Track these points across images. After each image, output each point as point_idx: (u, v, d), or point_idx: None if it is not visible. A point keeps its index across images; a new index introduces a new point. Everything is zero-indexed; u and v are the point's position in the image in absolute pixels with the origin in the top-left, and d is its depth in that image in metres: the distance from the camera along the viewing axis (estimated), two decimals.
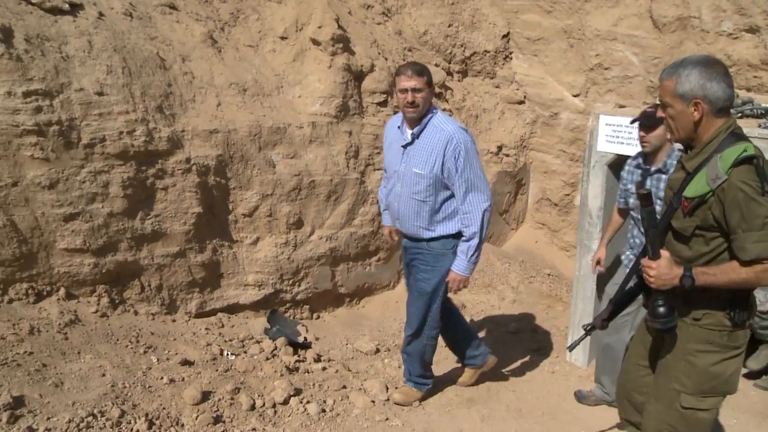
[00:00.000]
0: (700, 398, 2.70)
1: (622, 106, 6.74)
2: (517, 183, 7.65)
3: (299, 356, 5.02)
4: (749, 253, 2.43)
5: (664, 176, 3.94)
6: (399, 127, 4.14)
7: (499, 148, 7.33)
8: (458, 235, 4.12)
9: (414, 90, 3.89)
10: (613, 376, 4.28)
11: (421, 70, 3.95)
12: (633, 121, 4.03)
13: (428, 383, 4.59)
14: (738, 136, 2.57)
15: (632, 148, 4.53)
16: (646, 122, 3.92)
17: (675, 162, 3.87)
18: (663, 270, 2.65)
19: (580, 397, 4.75)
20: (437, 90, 7.09)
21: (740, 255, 2.46)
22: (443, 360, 5.24)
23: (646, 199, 2.67)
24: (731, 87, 2.57)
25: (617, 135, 4.79)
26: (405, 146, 4.08)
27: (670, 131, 2.72)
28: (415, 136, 4.02)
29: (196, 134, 5.20)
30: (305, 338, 5.43)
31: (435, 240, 4.16)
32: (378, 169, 6.24)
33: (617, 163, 4.82)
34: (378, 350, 5.48)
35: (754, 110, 4.91)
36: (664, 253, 2.68)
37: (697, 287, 2.55)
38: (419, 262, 4.24)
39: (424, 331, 4.35)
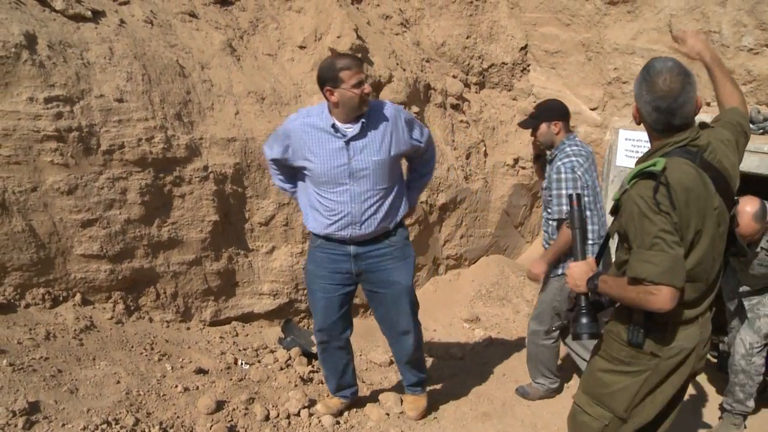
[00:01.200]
0: (589, 400, 2.72)
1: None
2: (533, 196, 7.61)
3: (313, 366, 4.99)
4: (632, 270, 2.35)
5: (548, 166, 4.35)
6: (333, 126, 3.69)
7: (516, 160, 7.31)
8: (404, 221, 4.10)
9: (365, 81, 3.68)
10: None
11: (361, 61, 3.84)
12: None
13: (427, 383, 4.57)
14: (688, 152, 2.42)
15: None
16: (522, 127, 4.49)
17: (560, 153, 4.31)
18: (575, 271, 2.66)
19: (523, 393, 4.86)
20: (455, 102, 7.08)
21: (627, 270, 2.40)
22: (459, 372, 5.21)
23: (574, 200, 2.74)
24: (666, 113, 2.40)
25: (636, 149, 4.77)
26: (348, 141, 3.70)
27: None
28: (365, 126, 3.72)
29: (214, 142, 5.21)
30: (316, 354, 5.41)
31: (395, 231, 3.96)
32: None
33: None
34: (392, 362, 5.45)
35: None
36: (589, 258, 2.70)
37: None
38: (385, 263, 3.97)
39: (417, 328, 4.26)
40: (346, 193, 3.76)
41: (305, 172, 3.81)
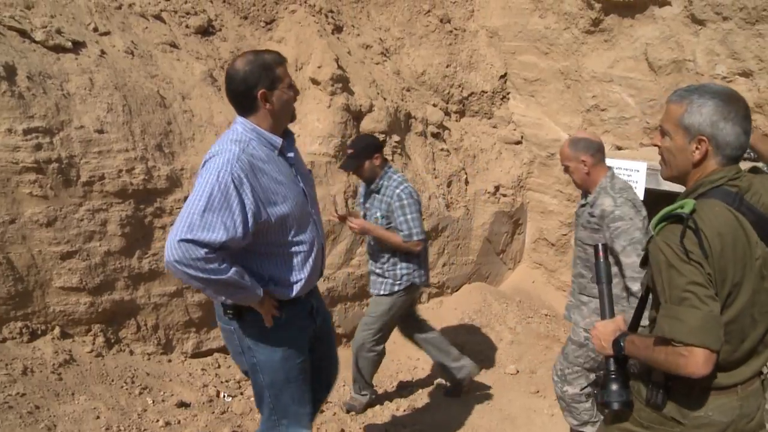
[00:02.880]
0: None
1: (619, 148, 6.79)
2: (514, 223, 7.65)
3: None
4: (659, 329, 2.06)
5: (376, 195, 4.75)
6: (281, 147, 2.93)
7: (497, 188, 7.35)
8: None
9: None
10: None
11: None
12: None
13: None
14: (726, 193, 2.11)
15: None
16: (345, 169, 4.89)
17: (388, 181, 4.69)
18: (602, 332, 2.37)
19: (350, 407, 5.03)
20: (435, 130, 7.12)
21: (655, 329, 2.11)
22: (443, 401, 5.18)
23: (600, 250, 2.47)
24: (747, 134, 2.13)
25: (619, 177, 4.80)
26: (292, 165, 3.02)
27: (663, 163, 2.31)
28: (291, 138, 3.08)
29: (195, 173, 5.18)
30: None
31: None
32: None
33: None
34: (375, 393, 5.42)
35: (750, 154, 4.95)
36: (618, 317, 2.41)
37: None
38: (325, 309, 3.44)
39: None
40: (313, 227, 3.08)
41: (266, 225, 2.81)
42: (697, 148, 2.14)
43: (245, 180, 2.67)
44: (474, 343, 6.43)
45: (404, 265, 4.73)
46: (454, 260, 7.11)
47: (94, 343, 4.68)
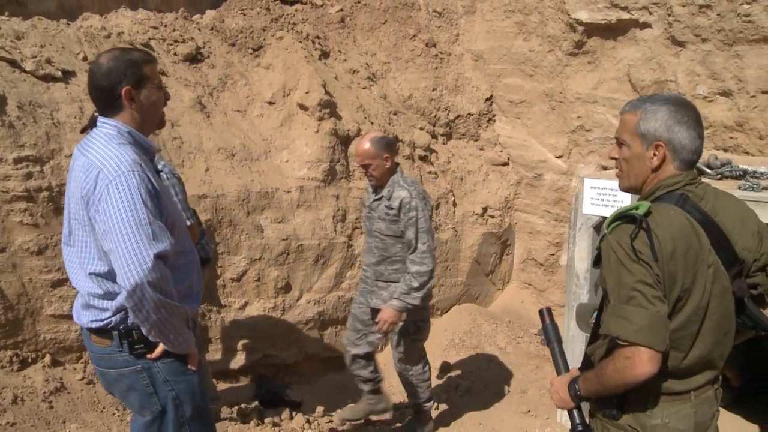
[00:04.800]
0: None
1: (605, 168, 6.87)
2: (503, 244, 7.70)
3: (290, 418, 4.95)
4: (605, 327, 2.07)
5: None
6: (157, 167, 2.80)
7: (484, 209, 7.41)
8: None
9: None
10: None
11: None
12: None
13: None
14: (679, 197, 2.13)
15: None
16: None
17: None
18: (558, 386, 2.34)
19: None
20: (423, 153, 7.19)
21: (601, 328, 2.12)
22: (434, 423, 5.20)
23: (546, 314, 2.49)
24: (701, 138, 2.17)
25: (602, 197, 4.88)
26: (159, 172, 2.96)
27: (619, 176, 2.31)
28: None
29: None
30: (293, 401, 5.37)
31: None
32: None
33: (602, 226, 4.89)
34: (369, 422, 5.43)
35: (733, 171, 5.03)
36: (572, 369, 2.38)
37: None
38: None
39: None
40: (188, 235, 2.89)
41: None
42: (654, 154, 2.17)
43: (156, 190, 2.47)
44: (464, 364, 6.45)
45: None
46: (444, 282, 7.14)
47: (85, 371, 4.67)
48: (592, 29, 6.79)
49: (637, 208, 2.05)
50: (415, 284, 4.40)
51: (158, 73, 2.62)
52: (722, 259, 2.13)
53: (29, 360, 4.51)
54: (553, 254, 7.54)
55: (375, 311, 4.61)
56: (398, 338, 4.71)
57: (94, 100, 2.61)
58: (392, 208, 4.39)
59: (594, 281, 4.90)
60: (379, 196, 4.51)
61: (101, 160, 2.40)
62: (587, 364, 2.37)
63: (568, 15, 6.84)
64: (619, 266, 2.03)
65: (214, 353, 5.45)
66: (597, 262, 2.20)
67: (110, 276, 2.45)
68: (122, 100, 2.52)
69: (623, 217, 2.08)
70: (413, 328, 4.70)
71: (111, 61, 2.52)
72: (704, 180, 2.23)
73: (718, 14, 5.82)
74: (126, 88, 2.50)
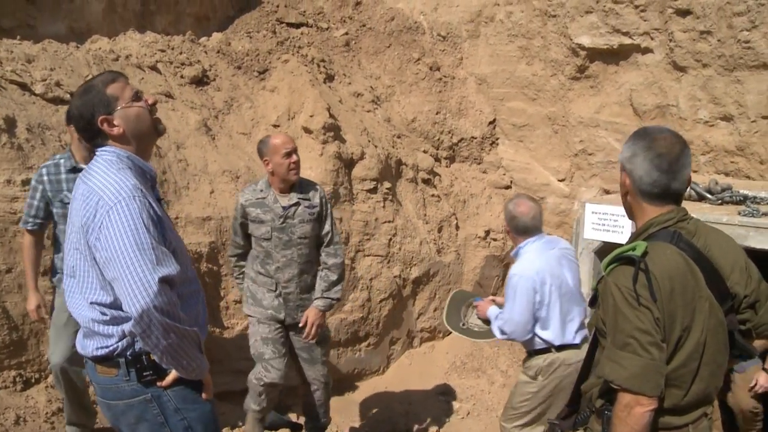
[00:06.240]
0: None
1: (607, 192, 6.91)
2: (505, 266, 7.71)
3: None
4: (600, 369, 2.11)
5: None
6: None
7: (487, 232, 7.44)
8: None
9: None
10: None
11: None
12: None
13: None
14: (673, 234, 2.15)
15: (618, 235, 4.64)
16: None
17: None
18: None
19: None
20: (426, 176, 7.24)
21: (597, 369, 2.15)
22: None
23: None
24: (663, 173, 2.15)
25: (603, 222, 4.92)
26: (161, 200, 2.81)
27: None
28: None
29: (190, 221, 5.27)
30: (294, 423, 5.37)
31: None
32: (368, 255, 6.30)
33: (603, 251, 4.92)
34: None
35: (733, 197, 5.07)
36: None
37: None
38: None
39: None
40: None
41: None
42: (625, 179, 2.25)
43: (150, 207, 2.39)
44: (465, 387, 6.45)
45: None
46: (446, 304, 7.15)
47: None
48: (595, 54, 6.87)
49: (634, 248, 2.08)
50: (334, 277, 4.30)
51: (129, 85, 2.51)
52: (715, 294, 2.15)
53: (32, 380, 4.54)
54: None
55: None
56: (321, 348, 4.52)
57: (85, 141, 2.56)
58: (315, 206, 4.28)
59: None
60: (295, 201, 4.24)
61: (101, 187, 2.35)
62: (576, 400, 2.40)
63: (571, 40, 6.92)
64: (617, 311, 2.06)
65: (216, 375, 5.46)
66: (593, 302, 2.23)
67: (114, 305, 2.39)
68: (103, 131, 2.45)
69: (621, 258, 2.10)
70: (327, 332, 4.65)
71: (77, 100, 2.47)
72: (694, 216, 2.28)
73: (718, 40, 5.89)
74: (101, 118, 2.43)
